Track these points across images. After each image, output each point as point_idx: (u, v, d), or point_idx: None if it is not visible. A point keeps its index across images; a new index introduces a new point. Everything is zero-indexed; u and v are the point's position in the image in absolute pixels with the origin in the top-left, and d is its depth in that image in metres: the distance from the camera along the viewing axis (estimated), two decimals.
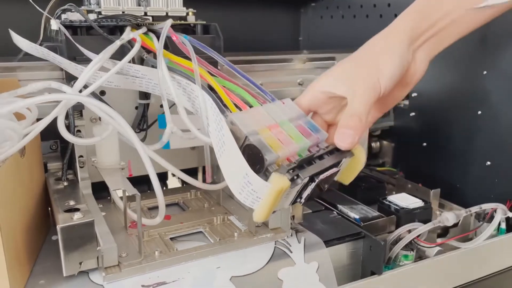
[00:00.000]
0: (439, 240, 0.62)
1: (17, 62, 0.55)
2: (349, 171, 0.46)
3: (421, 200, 0.64)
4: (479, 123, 0.69)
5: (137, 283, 0.42)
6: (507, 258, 0.64)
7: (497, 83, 0.66)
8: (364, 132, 0.42)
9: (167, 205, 0.58)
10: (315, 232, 0.52)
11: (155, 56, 0.52)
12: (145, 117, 0.57)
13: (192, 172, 0.65)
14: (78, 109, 0.53)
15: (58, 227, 0.40)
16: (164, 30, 0.48)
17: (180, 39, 0.50)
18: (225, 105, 0.45)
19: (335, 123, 0.47)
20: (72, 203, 0.45)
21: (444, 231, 0.65)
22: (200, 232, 0.52)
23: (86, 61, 0.51)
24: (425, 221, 0.63)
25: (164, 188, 0.65)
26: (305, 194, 0.42)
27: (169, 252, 0.46)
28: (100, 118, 0.56)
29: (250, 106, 0.46)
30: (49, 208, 0.53)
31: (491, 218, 0.61)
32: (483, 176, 0.69)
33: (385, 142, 0.87)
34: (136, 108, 0.58)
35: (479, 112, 0.69)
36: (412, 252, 0.55)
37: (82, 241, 0.41)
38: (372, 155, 0.87)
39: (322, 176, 0.42)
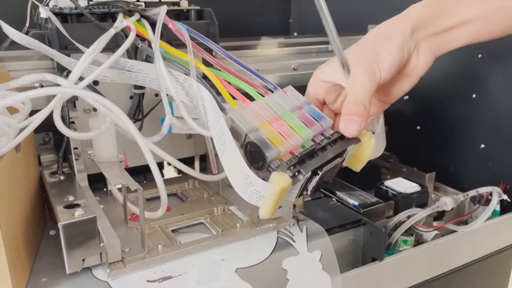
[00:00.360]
0: (435, 223, 0.63)
1: (5, 52, 0.53)
2: (357, 158, 0.45)
3: (417, 185, 0.64)
4: (474, 106, 0.69)
5: (142, 278, 0.41)
6: (502, 239, 0.65)
7: (491, 66, 0.66)
8: (368, 120, 0.42)
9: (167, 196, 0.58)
10: (316, 220, 0.52)
11: (149, 44, 0.51)
12: (141, 107, 0.56)
13: (188, 162, 0.64)
14: (72, 101, 0.51)
15: (60, 224, 0.39)
16: (159, 19, 0.47)
17: (177, 27, 0.49)
18: (222, 98, 0.44)
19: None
20: (71, 198, 0.44)
21: (439, 214, 0.66)
22: (201, 223, 0.52)
23: (78, 50, 0.49)
24: (422, 205, 0.64)
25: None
26: (310, 187, 0.42)
27: (173, 245, 0.45)
28: (94, 109, 0.55)
29: (249, 97, 0.45)
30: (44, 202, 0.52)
31: (487, 201, 0.62)
32: (477, 158, 0.70)
33: None
34: (131, 97, 0.57)
35: (474, 95, 0.69)
36: (411, 237, 0.55)
37: (85, 238, 0.40)
38: None
39: (325, 168, 0.41)
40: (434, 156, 0.75)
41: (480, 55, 0.67)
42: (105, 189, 0.59)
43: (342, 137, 0.42)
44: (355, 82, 0.42)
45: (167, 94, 0.47)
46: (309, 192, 0.43)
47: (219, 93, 0.45)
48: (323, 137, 0.42)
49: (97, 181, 0.58)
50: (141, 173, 0.62)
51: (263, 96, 0.45)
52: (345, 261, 0.53)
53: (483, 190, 0.61)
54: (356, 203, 0.59)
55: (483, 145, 0.69)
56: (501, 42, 0.64)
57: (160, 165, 0.65)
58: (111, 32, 0.47)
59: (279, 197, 0.39)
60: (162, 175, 0.65)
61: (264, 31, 0.85)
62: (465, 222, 0.63)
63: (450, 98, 0.73)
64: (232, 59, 0.47)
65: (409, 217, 0.56)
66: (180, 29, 0.48)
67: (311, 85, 0.46)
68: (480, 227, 0.60)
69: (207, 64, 0.50)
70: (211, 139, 0.50)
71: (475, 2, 0.44)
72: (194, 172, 0.49)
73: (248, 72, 0.48)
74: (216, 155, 0.53)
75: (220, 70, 0.48)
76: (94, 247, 0.41)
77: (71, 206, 0.43)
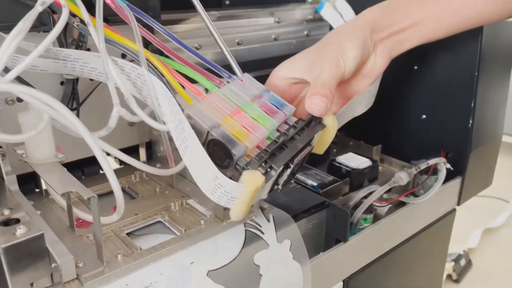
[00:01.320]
0: (385, 196, 0.64)
1: None
2: (322, 142, 0.44)
3: (368, 159, 0.65)
4: (415, 78, 0.70)
5: None
6: (445, 205, 0.68)
7: None
8: (331, 106, 0.41)
9: (111, 193, 0.52)
10: (280, 207, 0.50)
11: (80, 21, 0.44)
12: (75, 95, 0.49)
13: (132, 151, 0.58)
14: None
15: (0, 248, 0.32)
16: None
17: (117, 2, 0.42)
18: (174, 91, 0.40)
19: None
20: (6, 212, 0.37)
21: None
22: (159, 222, 0.47)
23: None
24: (373, 179, 0.65)
25: (101, 171, 0.57)
26: (281, 181, 0.40)
27: (133, 253, 0.40)
28: (18, 99, 0.47)
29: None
30: None
31: (434, 171, 0.64)
32: (419, 129, 0.71)
33: None
34: (62, 83, 0.49)
35: (415, 67, 0.70)
36: (371, 214, 0.56)
37: (32, 259, 0.34)
38: None
39: (296, 160, 0.39)
40: (377, 128, 0.76)
41: None
42: (37, 190, 0.51)
43: (308, 124, 0.41)
44: (322, 71, 0.43)
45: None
46: (280, 187, 0.41)
47: (173, 88, 0.41)
48: (287, 126, 0.40)
49: (27, 181, 0.50)
50: (77, 168, 0.55)
51: (219, 87, 0.41)
52: (309, 245, 0.52)
53: (432, 161, 0.62)
54: (314, 183, 0.58)
55: (424, 116, 0.71)
56: None
57: None
58: (38, 8, 0.39)
59: (252, 197, 0.36)
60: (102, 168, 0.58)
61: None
62: (413, 193, 0.65)
63: (392, 69, 0.73)
64: (187, 48, 0.43)
65: (367, 195, 0.56)
66: (120, 5, 0.42)
67: (268, 85, 0.46)
68: (430, 197, 0.62)
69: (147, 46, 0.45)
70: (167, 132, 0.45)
71: (425, 3, 0.48)
72: (152, 168, 0.44)
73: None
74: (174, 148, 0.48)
75: (169, 58, 0.43)
76: (43, 268, 0.35)
77: (8, 222, 0.36)
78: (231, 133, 0.37)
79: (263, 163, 0.36)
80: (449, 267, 1.27)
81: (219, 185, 0.36)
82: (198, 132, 0.37)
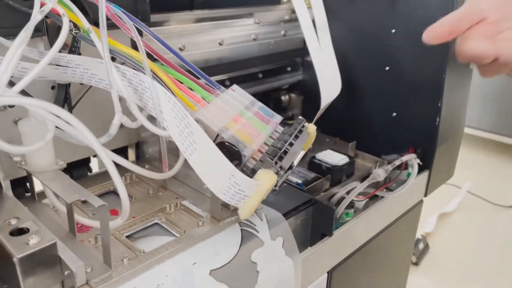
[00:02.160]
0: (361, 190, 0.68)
1: None
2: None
3: (346, 156, 0.68)
4: (387, 78, 0.74)
5: None
6: (415, 197, 0.74)
7: (403, 41, 0.71)
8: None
9: (104, 194, 0.53)
10: (271, 205, 0.52)
11: (75, 26, 0.44)
12: (68, 99, 0.49)
13: (119, 152, 0.58)
14: None
15: (16, 258, 0.33)
16: (101, 2, 0.40)
17: (113, 10, 0.42)
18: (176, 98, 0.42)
19: None
20: (13, 221, 0.37)
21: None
22: (156, 224, 0.49)
23: None
24: (350, 175, 0.68)
25: (89, 173, 0.58)
26: (280, 183, 0.43)
27: (137, 256, 0.42)
28: (10, 105, 0.46)
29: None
30: None
31: (406, 167, 0.68)
32: (389, 126, 0.76)
33: (293, 95, 0.89)
34: (53, 88, 0.49)
35: (387, 68, 0.74)
36: (352, 209, 0.59)
37: (45, 268, 0.35)
38: (282, 108, 0.89)
39: (296, 162, 0.43)
40: (351, 125, 0.80)
41: (393, 30, 0.71)
42: (28, 194, 0.51)
43: (300, 131, 0.44)
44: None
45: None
46: (277, 188, 0.43)
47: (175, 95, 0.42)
48: (277, 134, 0.44)
49: (16, 186, 0.50)
50: (66, 171, 0.55)
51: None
52: (297, 240, 0.55)
53: (404, 158, 0.67)
54: (299, 181, 0.61)
55: (394, 114, 0.75)
56: (413, 18, 0.69)
57: (87, 160, 0.58)
58: (37, 17, 0.39)
59: (264, 195, 0.39)
60: (90, 170, 0.59)
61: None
62: (386, 186, 0.69)
63: (364, 69, 0.77)
64: (178, 55, 0.44)
65: (349, 191, 0.60)
66: (116, 13, 0.42)
67: None
68: (402, 190, 0.67)
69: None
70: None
71: None
72: (154, 174, 0.45)
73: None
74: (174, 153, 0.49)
75: (167, 67, 0.44)
76: (55, 276, 0.36)
77: (18, 231, 0.36)
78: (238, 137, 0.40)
79: (274, 164, 0.39)
80: None
81: (234, 184, 0.38)
82: None
